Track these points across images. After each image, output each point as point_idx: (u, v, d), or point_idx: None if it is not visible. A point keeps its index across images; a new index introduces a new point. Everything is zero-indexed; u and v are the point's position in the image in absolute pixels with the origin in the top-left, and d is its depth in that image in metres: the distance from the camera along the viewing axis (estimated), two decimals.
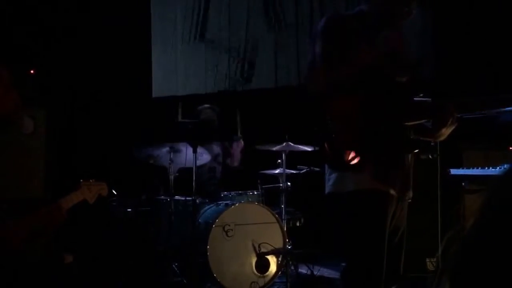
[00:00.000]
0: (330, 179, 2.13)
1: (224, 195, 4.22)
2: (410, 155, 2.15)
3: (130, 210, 4.30)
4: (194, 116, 4.46)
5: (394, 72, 2.08)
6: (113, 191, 4.38)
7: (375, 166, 2.03)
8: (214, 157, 4.57)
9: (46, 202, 2.13)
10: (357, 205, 2.06)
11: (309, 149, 4.02)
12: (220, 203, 4.08)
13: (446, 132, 2.08)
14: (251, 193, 4.26)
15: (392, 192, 2.07)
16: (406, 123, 2.05)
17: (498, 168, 2.98)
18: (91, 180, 2.26)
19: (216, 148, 4.61)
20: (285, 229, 3.97)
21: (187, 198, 4.10)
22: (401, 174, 2.10)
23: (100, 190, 2.27)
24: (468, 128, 3.38)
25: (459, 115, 2.07)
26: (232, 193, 4.24)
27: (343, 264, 2.23)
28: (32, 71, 4.80)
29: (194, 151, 3.79)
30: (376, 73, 2.01)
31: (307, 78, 2.10)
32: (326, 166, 2.15)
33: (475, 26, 4.42)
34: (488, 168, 3.02)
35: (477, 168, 3.08)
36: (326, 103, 2.03)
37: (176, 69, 5.68)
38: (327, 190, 2.15)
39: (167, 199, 4.14)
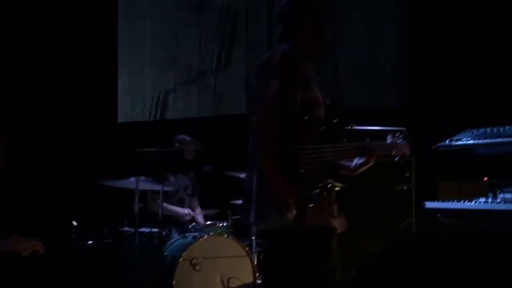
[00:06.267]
0: (270, 214, 1.96)
1: (192, 226, 4.06)
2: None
3: (91, 242, 4.09)
4: (171, 144, 4.24)
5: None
6: (73, 222, 4.20)
7: (327, 205, 2.02)
8: (184, 189, 4.42)
9: None
10: (313, 242, 1.98)
11: None
12: (188, 235, 3.92)
13: (363, 169, 2.14)
14: (220, 225, 4.11)
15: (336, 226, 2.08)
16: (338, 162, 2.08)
17: (473, 201, 2.93)
18: (24, 238, 2.38)
19: (186, 180, 4.45)
20: (255, 262, 3.84)
21: (152, 230, 3.92)
22: (336, 208, 2.11)
23: (34, 246, 2.37)
24: (442, 159, 3.37)
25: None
26: (201, 224, 4.09)
27: None
28: None
29: (161, 183, 3.65)
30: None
31: (256, 113, 2.04)
32: (256, 198, 2.01)
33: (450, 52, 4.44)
34: (464, 201, 2.96)
35: (452, 200, 3.02)
36: None
37: (144, 93, 5.53)
38: (265, 226, 2.05)
39: (131, 231, 3.95)
